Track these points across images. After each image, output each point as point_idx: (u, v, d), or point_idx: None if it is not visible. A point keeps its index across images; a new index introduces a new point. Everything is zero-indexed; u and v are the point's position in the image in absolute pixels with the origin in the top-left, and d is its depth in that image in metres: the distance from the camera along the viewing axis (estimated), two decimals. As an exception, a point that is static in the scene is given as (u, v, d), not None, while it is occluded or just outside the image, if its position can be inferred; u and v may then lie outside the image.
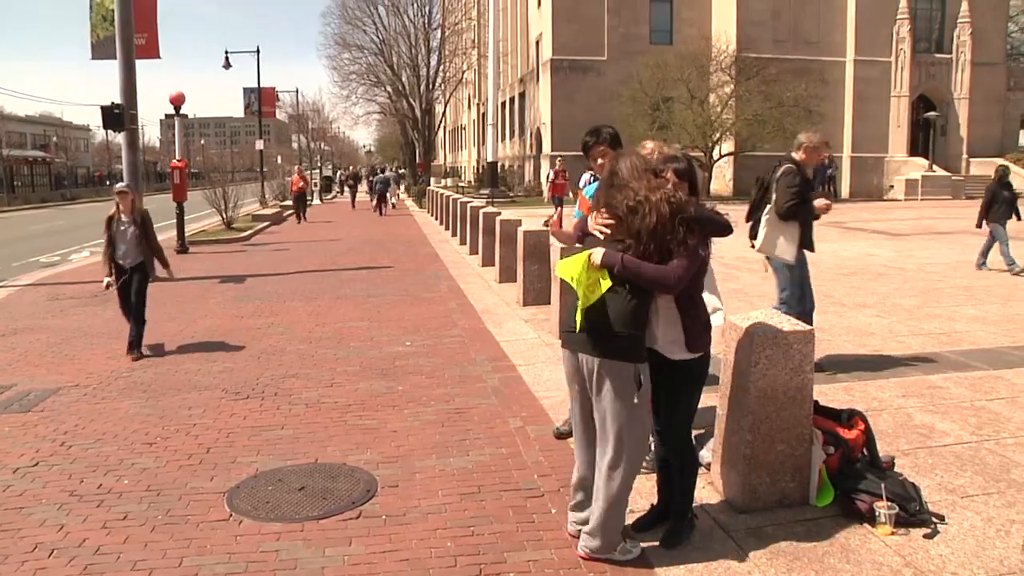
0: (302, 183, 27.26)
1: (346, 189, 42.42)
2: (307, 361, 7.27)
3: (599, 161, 4.51)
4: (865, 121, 37.01)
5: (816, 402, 4.00)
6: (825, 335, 7.52)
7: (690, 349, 3.42)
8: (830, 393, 5.59)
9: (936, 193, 34.05)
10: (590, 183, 4.76)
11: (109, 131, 14.48)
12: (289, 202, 30.17)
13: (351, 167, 49.57)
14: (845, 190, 36.66)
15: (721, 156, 33.58)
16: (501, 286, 11.31)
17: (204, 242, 19.73)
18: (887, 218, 23.31)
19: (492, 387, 6.27)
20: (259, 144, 38.59)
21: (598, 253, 3.29)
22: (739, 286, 10.36)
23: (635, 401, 3.27)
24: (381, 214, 30.23)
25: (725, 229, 3.41)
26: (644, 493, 4.02)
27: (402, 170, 56.70)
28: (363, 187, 49.59)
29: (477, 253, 14.31)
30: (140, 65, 14.46)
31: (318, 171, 63.43)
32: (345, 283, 12.24)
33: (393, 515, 4.04)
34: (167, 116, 19.37)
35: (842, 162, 36.88)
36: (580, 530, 3.57)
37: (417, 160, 50.21)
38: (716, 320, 3.90)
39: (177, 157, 17.84)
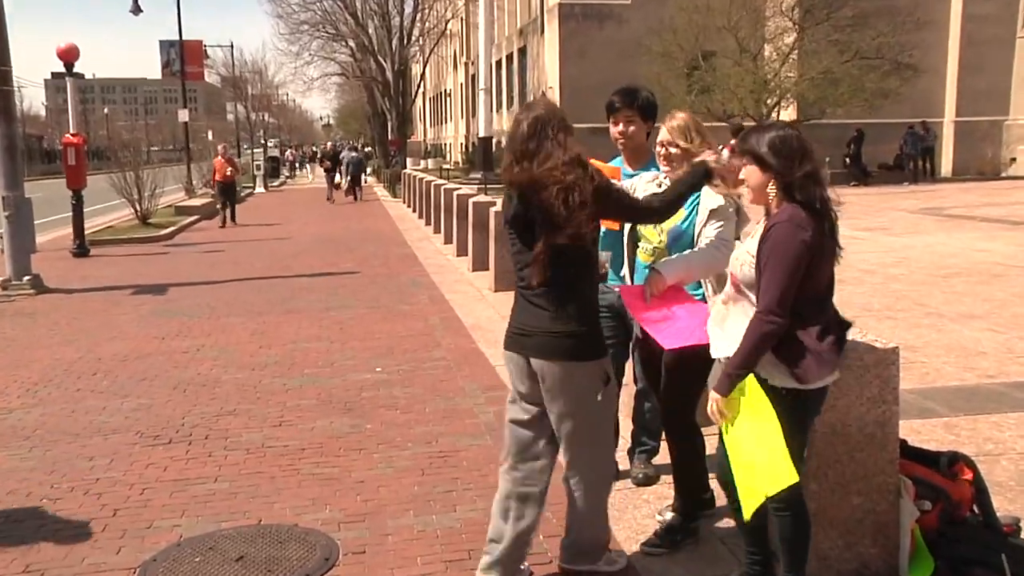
0: (230, 169, 24.52)
1: (304, 170, 42.55)
2: (248, 393, 7.30)
3: (620, 129, 4.56)
4: (977, 74, 35.84)
5: (904, 442, 4.00)
6: (918, 355, 7.54)
7: (794, 377, 3.34)
8: (924, 431, 5.60)
9: (1081, 168, 32.33)
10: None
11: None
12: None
13: (328, 144, 48.76)
14: (946, 166, 36.16)
15: (780, 126, 33.68)
16: (496, 295, 11.35)
17: (111, 241, 19.80)
18: (1005, 201, 23.13)
19: (486, 423, 6.29)
20: (183, 115, 38.69)
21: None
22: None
23: (598, 399, 3.72)
24: (356, 199, 32.72)
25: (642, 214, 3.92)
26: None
27: (368, 148, 56.92)
28: (317, 170, 49.86)
29: (466, 254, 14.34)
30: (11, 5, 14.01)
31: (261, 150, 63.60)
32: (298, 293, 12.28)
33: (359, 590, 4.04)
34: (55, 75, 19.34)
35: (942, 129, 36.05)
36: None
37: (389, 135, 50.36)
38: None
39: (71, 130, 17.72)
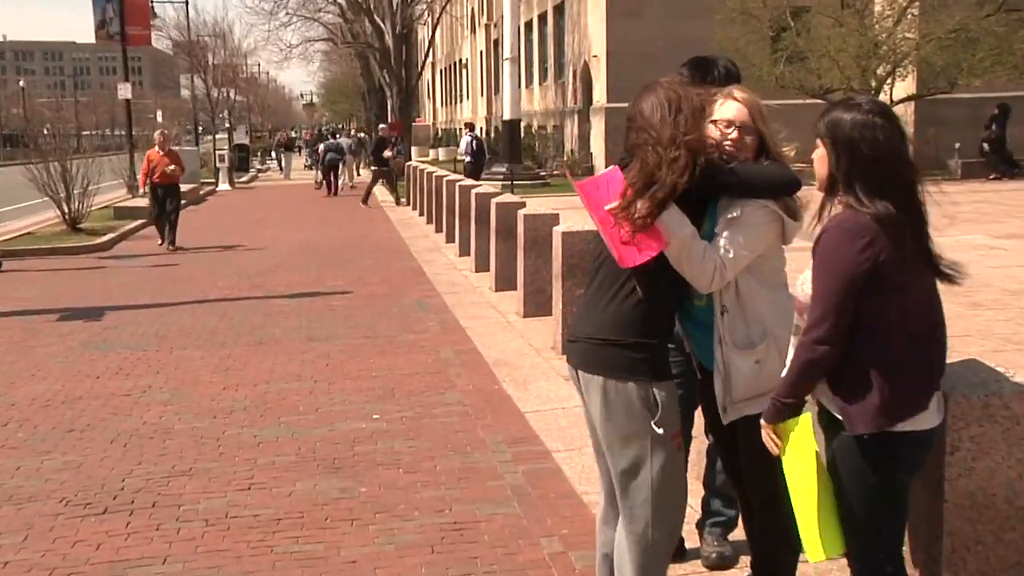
0: (172, 166, 21.04)
1: (279, 163, 42.60)
2: (208, 448, 7.32)
3: None
4: None
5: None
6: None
7: (848, 417, 3.42)
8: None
9: None
10: None
11: None
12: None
13: (382, 127, 48.29)
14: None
15: (893, 103, 33.38)
16: (526, 322, 11.35)
17: (31, 252, 19.97)
18: None
19: (513, 486, 6.30)
20: (124, 89, 38.98)
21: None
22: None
23: (660, 431, 3.80)
24: (332, 192, 35.92)
25: (782, 187, 3.83)
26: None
27: (362, 134, 57.25)
28: (295, 162, 50.46)
29: (487, 269, 14.36)
30: None
31: (225, 137, 64.09)
32: (273, 318, 12.35)
33: None
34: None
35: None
36: None
37: (389, 118, 50.63)
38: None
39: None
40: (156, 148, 21.43)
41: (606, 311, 3.85)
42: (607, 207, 3.75)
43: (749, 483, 4.21)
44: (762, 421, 3.62)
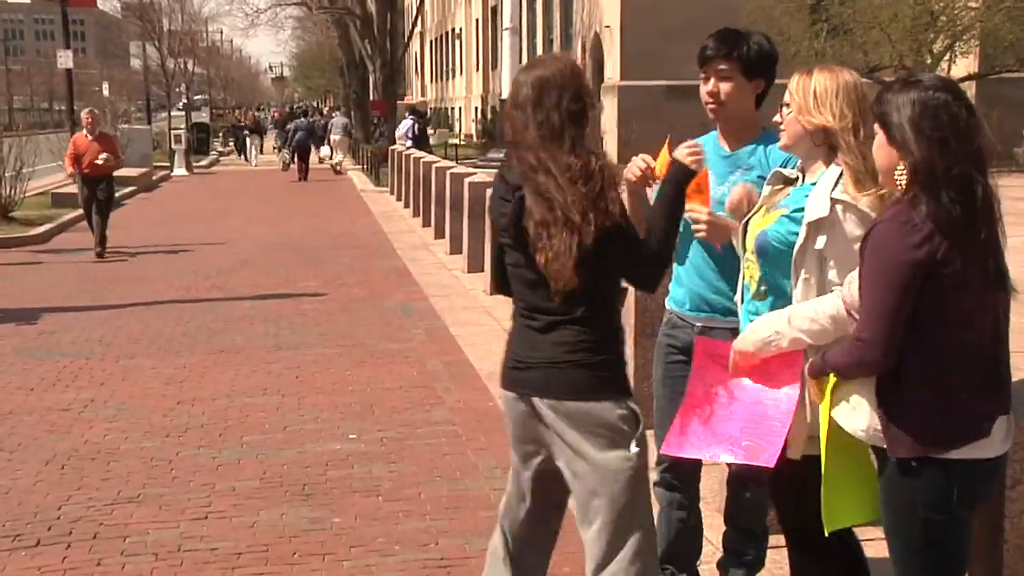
0: (103, 153, 18.83)
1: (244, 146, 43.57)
2: (159, 471, 7.32)
3: (709, 88, 4.52)
4: None
5: None
6: None
7: (890, 437, 3.39)
8: None
9: None
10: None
11: None
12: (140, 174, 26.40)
13: (330, 106, 48.78)
14: None
15: (951, 84, 33.22)
16: (527, 330, 11.33)
17: (-44, 245, 19.92)
18: None
19: (509, 519, 6.29)
20: (65, 58, 38.96)
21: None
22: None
23: (631, 452, 3.85)
24: (302, 177, 37.38)
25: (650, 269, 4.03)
26: None
27: (337, 111, 57.34)
28: (271, 141, 50.88)
29: (481, 270, 14.36)
30: None
31: (182, 115, 64.05)
32: (235, 324, 12.37)
33: None
34: None
35: None
36: None
37: (372, 96, 50.55)
38: None
39: None
40: (84, 131, 19.64)
41: (564, 332, 3.92)
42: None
43: (786, 516, 4.20)
44: (806, 374, 3.67)
